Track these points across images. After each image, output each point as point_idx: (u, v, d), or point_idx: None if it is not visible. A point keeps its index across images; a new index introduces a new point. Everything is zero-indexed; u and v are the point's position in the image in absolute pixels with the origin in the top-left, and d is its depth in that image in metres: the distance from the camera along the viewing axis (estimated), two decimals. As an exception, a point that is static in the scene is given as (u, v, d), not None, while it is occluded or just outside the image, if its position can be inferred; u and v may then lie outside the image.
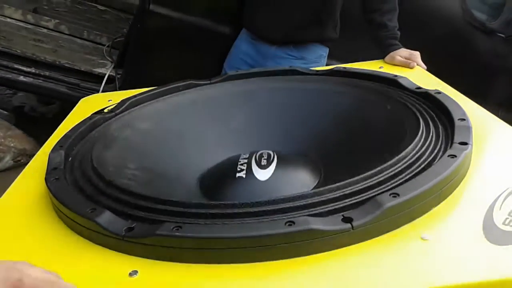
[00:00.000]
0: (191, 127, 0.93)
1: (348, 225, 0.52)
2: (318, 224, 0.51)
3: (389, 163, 0.62)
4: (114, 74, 1.76)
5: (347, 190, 0.58)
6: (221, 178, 0.82)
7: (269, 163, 0.80)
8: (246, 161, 0.81)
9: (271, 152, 0.83)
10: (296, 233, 0.51)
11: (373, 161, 0.64)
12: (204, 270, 0.51)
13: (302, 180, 0.81)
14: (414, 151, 0.66)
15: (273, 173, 0.77)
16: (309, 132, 0.93)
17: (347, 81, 1.01)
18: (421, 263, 0.50)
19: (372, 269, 0.50)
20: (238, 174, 0.77)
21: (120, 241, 0.54)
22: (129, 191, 0.61)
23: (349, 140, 0.87)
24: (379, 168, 0.61)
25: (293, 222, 0.51)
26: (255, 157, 0.82)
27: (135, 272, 0.51)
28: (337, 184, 0.59)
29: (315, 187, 0.75)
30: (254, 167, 0.79)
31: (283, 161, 0.82)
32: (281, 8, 1.33)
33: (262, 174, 0.77)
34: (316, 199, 0.57)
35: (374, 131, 0.85)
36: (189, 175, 0.83)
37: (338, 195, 0.57)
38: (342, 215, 0.54)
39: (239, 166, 0.80)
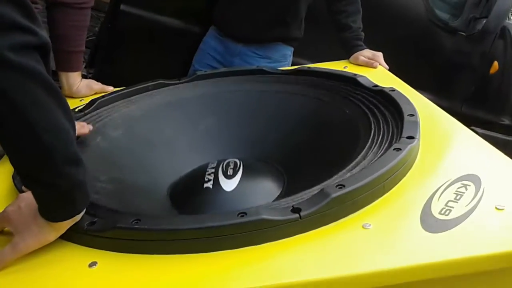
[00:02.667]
0: (161, 133, 0.97)
1: (296, 215, 0.56)
2: (268, 214, 0.56)
3: (340, 173, 0.67)
4: (85, 73, 1.78)
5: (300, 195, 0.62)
6: (189, 189, 0.86)
7: (235, 172, 0.84)
8: (213, 170, 0.85)
9: (237, 161, 0.88)
10: (248, 223, 0.55)
11: (331, 168, 0.68)
12: (161, 261, 0.54)
13: (266, 189, 0.85)
14: (364, 153, 0.71)
15: (238, 183, 0.82)
16: (275, 135, 0.98)
17: (310, 81, 1.05)
18: (361, 250, 0.55)
19: (318, 255, 0.54)
20: (205, 185, 0.81)
21: (81, 235, 0.58)
22: (95, 205, 0.64)
23: (311, 143, 0.92)
24: (332, 178, 0.65)
25: (245, 213, 0.56)
26: (222, 166, 0.86)
27: (95, 263, 0.55)
28: (291, 196, 0.63)
29: (277, 197, 0.80)
30: (221, 177, 0.83)
31: (248, 170, 0.86)
32: (248, 8, 1.36)
33: (228, 184, 0.81)
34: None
35: (332, 134, 0.90)
36: (160, 185, 0.86)
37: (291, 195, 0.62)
38: (292, 206, 0.58)
39: (206, 176, 0.84)
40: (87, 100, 1.04)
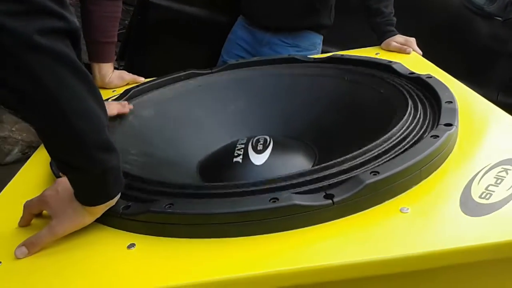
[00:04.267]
0: (191, 113, 0.97)
1: (329, 201, 0.56)
2: (300, 200, 0.55)
3: (373, 144, 0.66)
4: (117, 66, 1.81)
5: (332, 171, 0.62)
6: (219, 163, 0.86)
7: (265, 147, 0.84)
8: (243, 146, 0.85)
9: (267, 137, 0.87)
10: (280, 208, 0.55)
11: (364, 142, 0.67)
12: (195, 245, 0.55)
13: (297, 164, 0.84)
14: (400, 132, 0.70)
15: (268, 158, 0.81)
16: (306, 116, 0.97)
17: (343, 67, 1.04)
18: (400, 233, 0.54)
19: (355, 239, 0.54)
20: (235, 159, 0.82)
21: (117, 218, 0.59)
22: (127, 174, 0.65)
23: (343, 123, 0.91)
24: (363, 149, 0.65)
25: (277, 199, 0.56)
26: (252, 142, 0.86)
27: (133, 245, 0.56)
28: (322, 165, 0.63)
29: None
30: (251, 152, 0.83)
31: (279, 146, 0.86)
32: (276, -4, 1.35)
33: (258, 159, 0.81)
34: (301, 179, 0.61)
35: (366, 113, 0.89)
36: (189, 160, 0.87)
37: (322, 175, 0.61)
38: (325, 192, 0.58)
39: (236, 151, 0.84)
40: (119, 91, 1.06)
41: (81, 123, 0.49)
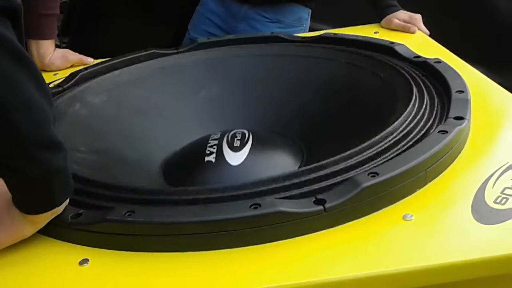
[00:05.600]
0: (153, 101, 0.97)
1: (320, 207, 0.58)
2: (286, 206, 0.57)
3: (372, 140, 0.68)
4: (58, 43, 1.79)
5: (324, 172, 0.63)
6: (187, 163, 0.87)
7: (242, 144, 0.85)
8: (216, 142, 0.85)
9: (245, 132, 0.88)
10: (262, 216, 0.56)
11: (360, 138, 0.69)
12: (159, 259, 0.56)
13: (280, 164, 0.86)
14: (403, 127, 0.72)
15: (247, 157, 0.82)
16: (291, 105, 0.98)
17: (336, 47, 1.06)
18: (404, 243, 0.56)
19: (351, 251, 0.56)
20: (207, 158, 0.82)
21: (66, 229, 0.59)
22: (75, 176, 0.66)
23: (336, 113, 0.92)
24: (361, 147, 0.67)
25: (259, 205, 0.57)
26: (227, 137, 0.86)
27: (86, 260, 0.57)
28: (312, 165, 0.64)
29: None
30: (226, 149, 0.84)
31: (259, 142, 0.87)
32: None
33: (235, 158, 0.82)
34: (287, 182, 0.62)
35: (363, 102, 0.90)
36: (151, 159, 0.88)
37: (312, 177, 0.63)
38: (315, 197, 0.59)
39: (208, 148, 0.84)
40: (62, 75, 1.06)
41: (18, 116, 0.49)
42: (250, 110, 0.99)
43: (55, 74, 1.13)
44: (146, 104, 0.96)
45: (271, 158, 0.89)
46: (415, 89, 0.81)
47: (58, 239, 0.61)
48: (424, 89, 0.83)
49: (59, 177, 0.56)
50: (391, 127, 0.71)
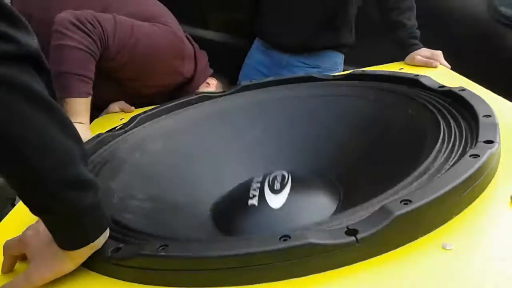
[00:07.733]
0: (203, 146, 0.89)
1: (352, 238, 0.45)
2: (316, 238, 0.45)
3: (406, 181, 0.55)
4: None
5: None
6: (233, 207, 0.77)
7: (282, 186, 0.75)
8: (258, 185, 0.76)
9: (285, 173, 0.78)
10: (292, 248, 0.44)
11: (392, 179, 0.57)
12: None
13: (319, 206, 0.75)
14: (432, 159, 0.59)
15: (287, 199, 0.72)
16: (327, 144, 0.87)
17: (365, 84, 0.94)
18: (443, 275, 0.43)
19: (382, 287, 0.43)
20: (250, 202, 0.72)
21: (106, 264, 0.50)
22: (126, 227, 0.57)
23: (368, 152, 0.81)
24: (394, 188, 0.54)
25: (289, 237, 0.45)
26: (268, 180, 0.77)
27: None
28: (347, 211, 0.53)
29: (333, 214, 0.69)
30: (267, 192, 0.74)
31: (298, 184, 0.76)
32: (293, 14, 1.29)
33: (276, 201, 0.72)
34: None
35: (394, 140, 0.78)
36: (202, 203, 0.78)
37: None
38: (346, 227, 0.47)
39: (251, 191, 0.75)
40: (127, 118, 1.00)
41: (39, 158, 0.42)
42: (289, 152, 0.88)
43: (121, 120, 1.07)
44: (196, 150, 0.87)
45: (310, 200, 0.77)
46: (442, 123, 0.68)
47: (100, 273, 0.51)
48: (450, 118, 0.70)
49: (89, 214, 0.47)
50: (423, 166, 0.58)
